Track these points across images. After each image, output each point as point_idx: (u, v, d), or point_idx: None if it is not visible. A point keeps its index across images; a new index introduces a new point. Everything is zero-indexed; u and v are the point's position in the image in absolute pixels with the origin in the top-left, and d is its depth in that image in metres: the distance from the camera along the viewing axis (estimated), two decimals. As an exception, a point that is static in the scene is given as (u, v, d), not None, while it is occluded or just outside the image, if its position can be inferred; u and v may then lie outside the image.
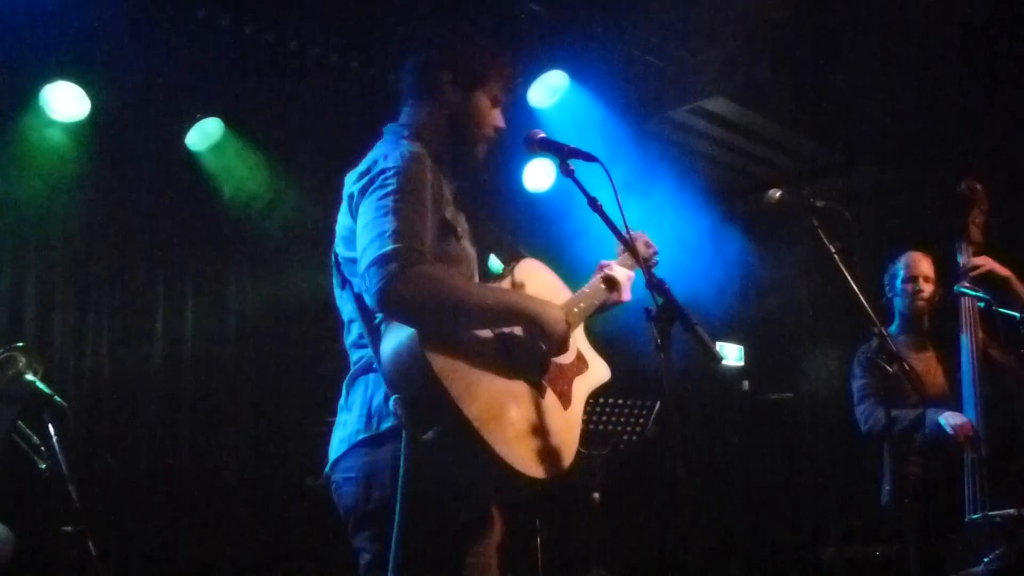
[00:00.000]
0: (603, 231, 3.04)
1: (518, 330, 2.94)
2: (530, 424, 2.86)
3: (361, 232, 2.80)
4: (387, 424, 2.79)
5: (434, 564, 2.82)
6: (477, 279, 3.09)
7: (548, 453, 2.85)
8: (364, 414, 2.87)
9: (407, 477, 2.71)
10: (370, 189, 2.85)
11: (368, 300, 2.75)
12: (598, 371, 3.23)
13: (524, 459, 2.76)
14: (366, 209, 2.83)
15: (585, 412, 3.15)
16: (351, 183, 2.95)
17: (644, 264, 2.97)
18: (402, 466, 2.72)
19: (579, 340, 3.23)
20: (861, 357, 5.19)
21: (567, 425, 2.97)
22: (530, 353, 2.96)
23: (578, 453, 3.01)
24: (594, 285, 3.33)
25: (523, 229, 6.52)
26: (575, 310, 3.18)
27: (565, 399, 3.03)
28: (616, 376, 3.28)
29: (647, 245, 3.62)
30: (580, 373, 3.15)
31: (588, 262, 3.46)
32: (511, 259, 3.27)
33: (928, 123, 6.76)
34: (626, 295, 3.41)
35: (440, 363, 2.70)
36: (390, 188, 2.81)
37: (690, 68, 6.76)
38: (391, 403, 2.74)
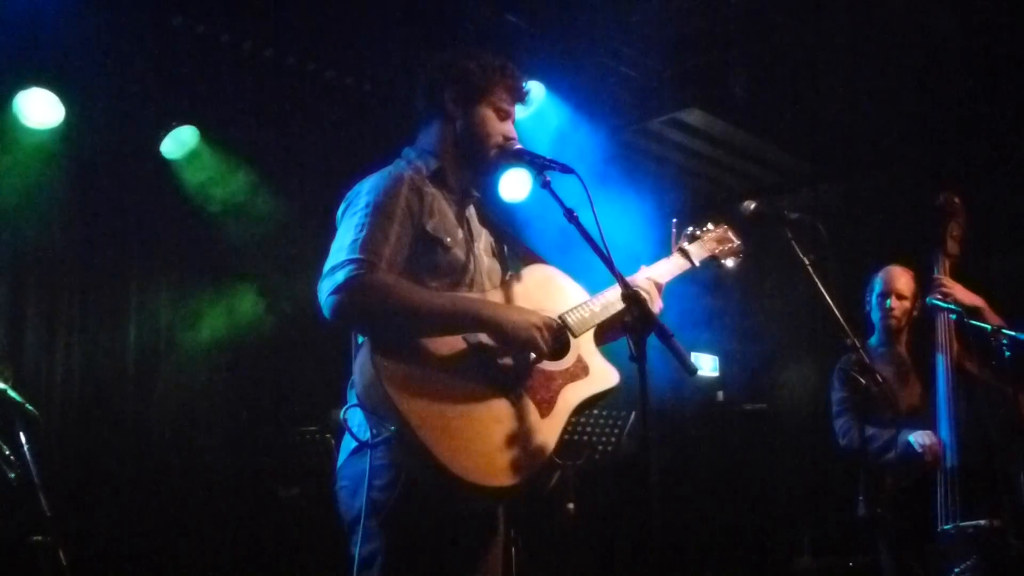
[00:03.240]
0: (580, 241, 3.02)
1: (487, 339, 2.97)
2: (484, 430, 2.86)
3: (330, 250, 2.96)
4: (369, 433, 2.86)
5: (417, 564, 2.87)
6: (483, 287, 3.16)
7: (501, 461, 2.85)
8: (356, 425, 2.93)
9: (373, 480, 2.83)
10: (347, 213, 3.04)
11: (323, 310, 2.87)
12: (599, 379, 3.16)
13: (468, 466, 2.77)
14: (339, 231, 3.01)
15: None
16: (339, 209, 3.13)
17: (620, 275, 2.97)
18: (367, 469, 2.84)
19: (584, 346, 3.19)
20: (840, 370, 5.20)
21: (539, 434, 2.95)
22: (500, 360, 2.99)
23: (556, 463, 3.00)
24: (617, 292, 3.27)
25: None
26: (586, 316, 3.19)
27: (545, 407, 3.01)
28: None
29: (724, 239, 3.74)
30: (574, 380, 3.11)
31: (567, 272, 3.46)
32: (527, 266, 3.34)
33: (904, 135, 6.83)
34: (654, 306, 3.31)
35: (388, 368, 2.80)
36: (358, 208, 2.99)
37: (666, 80, 6.78)
38: (343, 411, 2.88)
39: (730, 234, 3.79)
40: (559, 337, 3.09)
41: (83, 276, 6.21)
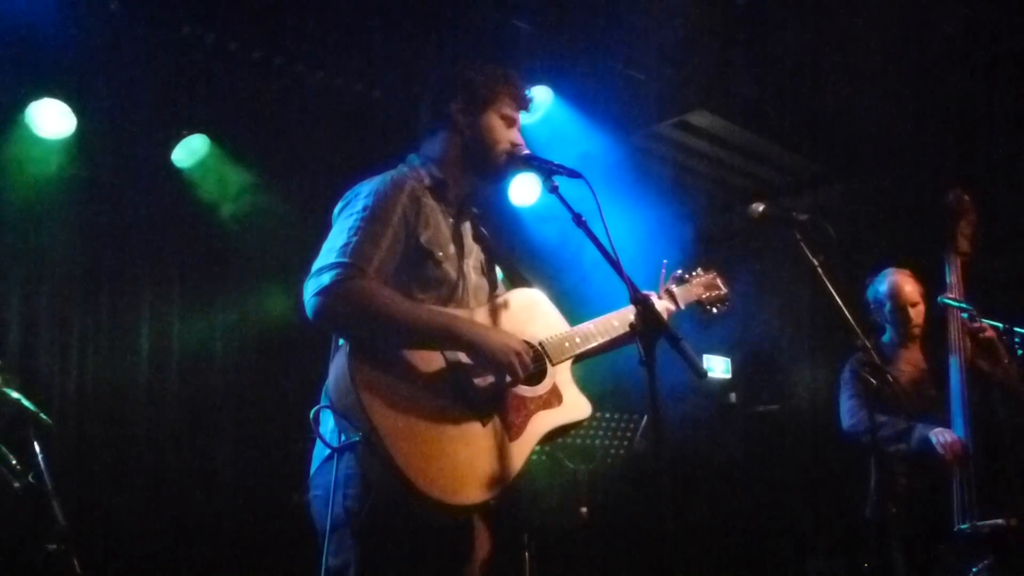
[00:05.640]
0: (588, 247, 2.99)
1: (465, 358, 2.95)
2: (452, 447, 2.83)
3: (321, 249, 2.95)
4: (343, 439, 2.83)
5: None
6: (469, 304, 3.13)
7: (466, 479, 2.82)
8: (328, 431, 2.92)
9: (347, 489, 2.81)
10: (343, 213, 3.03)
11: (306, 309, 2.86)
12: (571, 409, 3.16)
13: (431, 481, 2.73)
14: (332, 231, 3.00)
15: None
16: (336, 207, 3.11)
17: (629, 279, 2.90)
18: (338, 477, 2.81)
19: (560, 375, 3.19)
20: (850, 369, 5.16)
21: (506, 456, 2.92)
22: (477, 381, 2.96)
23: (544, 473, 2.98)
24: (606, 320, 3.34)
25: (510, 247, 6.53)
26: (565, 345, 3.20)
27: (515, 430, 2.99)
28: (604, 391, 3.25)
29: (711, 286, 3.81)
30: (546, 408, 3.10)
31: (575, 275, 3.44)
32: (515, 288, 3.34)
33: (911, 135, 6.78)
34: None
35: (363, 374, 2.78)
36: (354, 210, 2.98)
37: (674, 82, 6.75)
38: (312, 411, 2.86)
39: (718, 281, 3.87)
40: (537, 363, 3.09)
41: (96, 284, 6.28)
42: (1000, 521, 4.50)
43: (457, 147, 3.23)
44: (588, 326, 3.29)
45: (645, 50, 6.54)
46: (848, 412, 5.09)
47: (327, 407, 2.86)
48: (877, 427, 4.78)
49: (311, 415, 2.89)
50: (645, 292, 2.98)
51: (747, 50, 6.45)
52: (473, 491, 2.82)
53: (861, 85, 6.42)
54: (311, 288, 2.83)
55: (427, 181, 3.16)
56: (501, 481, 2.88)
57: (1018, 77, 6.13)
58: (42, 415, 4.68)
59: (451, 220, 3.19)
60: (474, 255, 3.26)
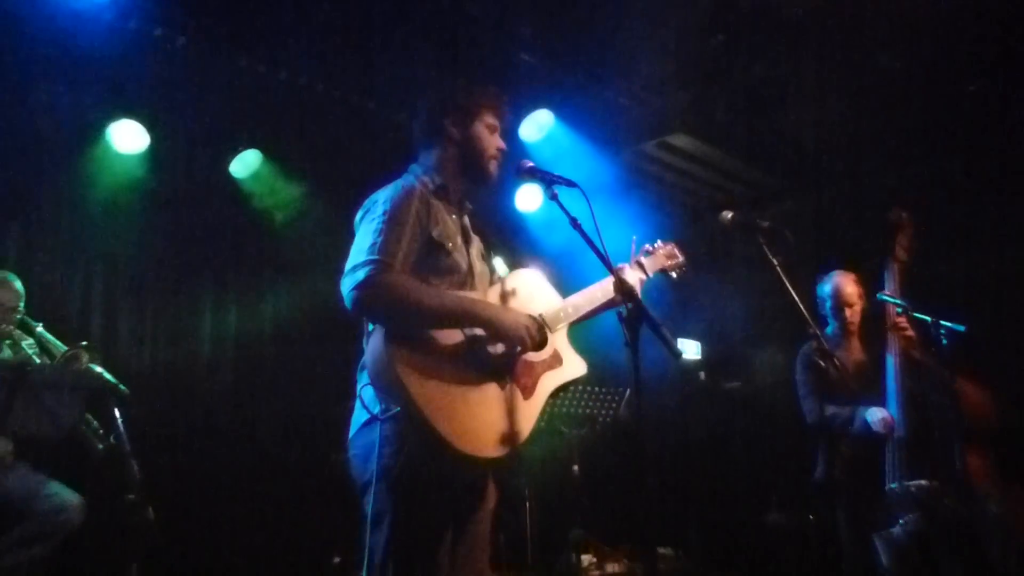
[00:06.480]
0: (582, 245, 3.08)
1: (481, 333, 3.03)
2: (478, 409, 2.92)
3: (351, 250, 3.01)
4: (381, 407, 2.92)
5: (421, 529, 2.90)
6: (476, 287, 3.20)
7: (493, 436, 2.92)
8: (367, 401, 2.98)
9: (383, 449, 2.87)
10: (366, 218, 3.08)
11: (345, 303, 2.91)
12: (571, 368, 3.25)
13: (464, 438, 2.84)
14: (358, 234, 3.06)
15: (566, 398, 3.20)
16: (358, 215, 3.16)
17: (618, 274, 3.03)
18: (378, 439, 2.88)
19: (559, 340, 3.27)
20: (803, 356, 5.23)
21: (523, 414, 3.02)
22: (493, 351, 3.05)
23: (542, 437, 3.04)
24: (590, 292, 3.42)
25: (514, 244, 6.63)
26: (560, 315, 3.28)
27: (528, 391, 3.08)
28: (593, 368, 3.34)
29: (672, 256, 3.84)
30: (551, 369, 3.18)
31: (571, 271, 3.54)
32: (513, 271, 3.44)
33: (861, 155, 6.86)
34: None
35: (398, 353, 2.85)
36: (377, 215, 3.03)
37: (658, 108, 6.82)
38: (359, 388, 2.94)
39: (676, 251, 3.89)
40: (540, 332, 3.18)
41: (164, 278, 6.32)
42: (924, 482, 4.59)
43: (452, 155, 3.29)
44: (576, 298, 3.37)
45: (633, 80, 6.61)
46: (808, 412, 5.09)
47: (369, 384, 2.93)
48: (829, 419, 4.90)
49: (359, 391, 2.96)
50: (621, 265, 3.11)
51: (721, 82, 6.53)
52: (498, 446, 2.92)
53: (818, 113, 6.52)
54: (348, 284, 2.89)
55: (431, 185, 3.22)
56: (520, 435, 2.99)
57: (950, 106, 6.23)
58: (121, 386, 4.72)
59: (454, 216, 3.25)
60: (476, 245, 3.33)
